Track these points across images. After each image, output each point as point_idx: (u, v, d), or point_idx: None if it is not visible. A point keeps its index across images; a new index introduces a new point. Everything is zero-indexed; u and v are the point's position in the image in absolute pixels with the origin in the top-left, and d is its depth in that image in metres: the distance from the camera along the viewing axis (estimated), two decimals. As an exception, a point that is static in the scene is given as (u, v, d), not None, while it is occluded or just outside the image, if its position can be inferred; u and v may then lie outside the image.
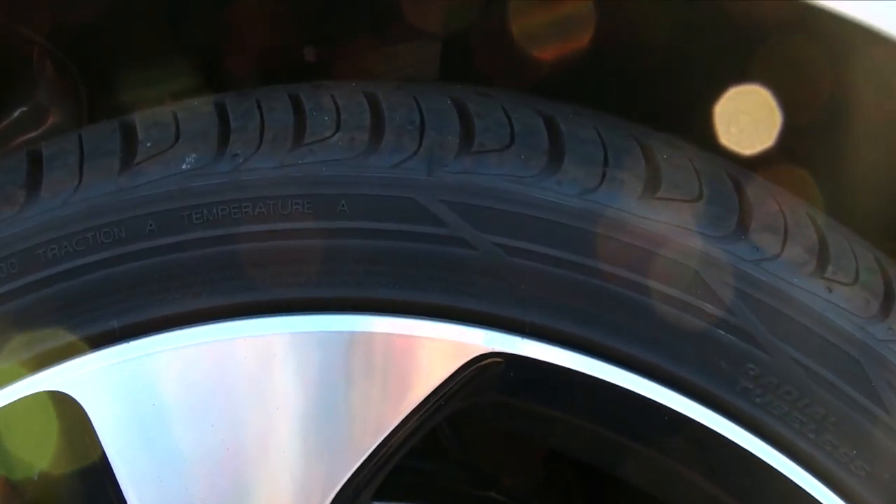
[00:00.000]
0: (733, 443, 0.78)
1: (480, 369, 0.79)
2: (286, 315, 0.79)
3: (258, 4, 1.06)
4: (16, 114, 1.22)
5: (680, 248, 0.77)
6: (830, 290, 0.78)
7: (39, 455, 0.83)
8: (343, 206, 0.77)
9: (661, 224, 0.77)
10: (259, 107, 0.81)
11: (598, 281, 0.77)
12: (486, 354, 0.79)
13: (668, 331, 0.77)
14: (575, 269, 0.77)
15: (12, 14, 1.11)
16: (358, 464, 0.78)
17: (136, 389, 0.80)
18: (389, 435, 0.79)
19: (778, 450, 0.79)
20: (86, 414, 0.79)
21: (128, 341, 0.79)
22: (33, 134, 1.24)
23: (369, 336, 0.78)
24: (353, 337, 0.78)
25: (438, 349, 0.79)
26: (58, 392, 0.80)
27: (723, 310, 0.77)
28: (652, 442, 0.82)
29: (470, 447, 1.23)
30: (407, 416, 0.78)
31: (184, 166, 0.78)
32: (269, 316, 0.79)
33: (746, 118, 0.85)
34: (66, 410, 0.80)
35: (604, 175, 0.78)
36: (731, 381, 0.78)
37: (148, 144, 0.80)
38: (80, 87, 1.25)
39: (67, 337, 0.79)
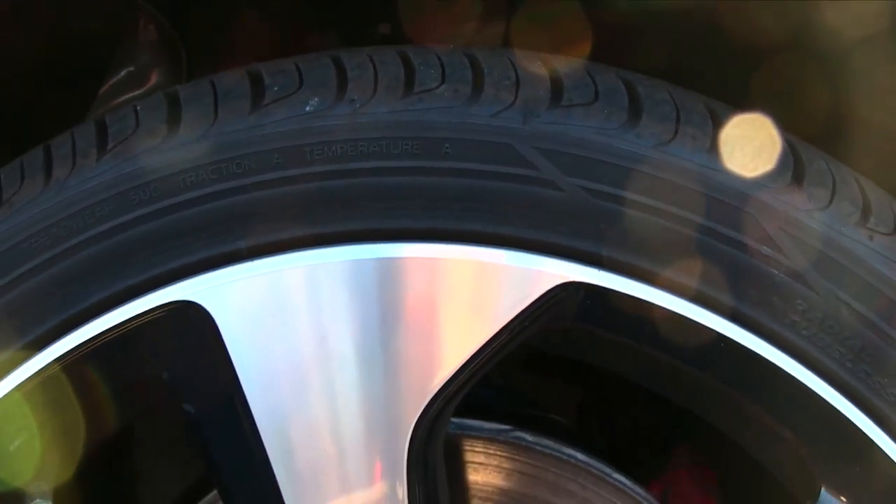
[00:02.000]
0: (781, 369, 0.86)
1: (561, 296, 0.86)
2: (393, 242, 0.86)
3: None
4: (122, 74, 1.30)
5: (743, 198, 0.84)
6: (871, 238, 0.85)
7: (171, 359, 0.91)
8: (447, 148, 0.85)
9: (726, 175, 0.85)
10: (372, 60, 0.88)
11: (669, 223, 0.84)
12: (567, 283, 0.86)
13: (730, 269, 0.85)
14: (649, 211, 0.84)
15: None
16: (453, 372, 0.86)
17: (257, 302, 0.87)
18: (480, 349, 0.86)
19: (819, 376, 0.86)
20: (215, 322, 0.88)
21: (252, 260, 0.87)
22: (137, 92, 1.32)
23: (467, 263, 0.86)
24: (454, 264, 0.85)
25: (526, 277, 0.86)
26: (191, 302, 0.88)
27: (778, 252, 0.84)
28: (707, 366, 0.90)
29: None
30: (496, 334, 0.86)
31: (307, 108, 0.86)
32: (378, 242, 0.86)
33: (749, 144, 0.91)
34: (198, 319, 0.89)
35: (676, 130, 0.85)
36: (781, 314, 0.85)
37: (275, 89, 0.87)
38: (180, 51, 1.33)
39: (199, 254, 0.87)
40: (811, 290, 0.84)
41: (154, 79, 1.31)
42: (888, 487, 0.88)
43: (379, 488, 0.91)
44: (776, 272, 0.84)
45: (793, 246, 0.84)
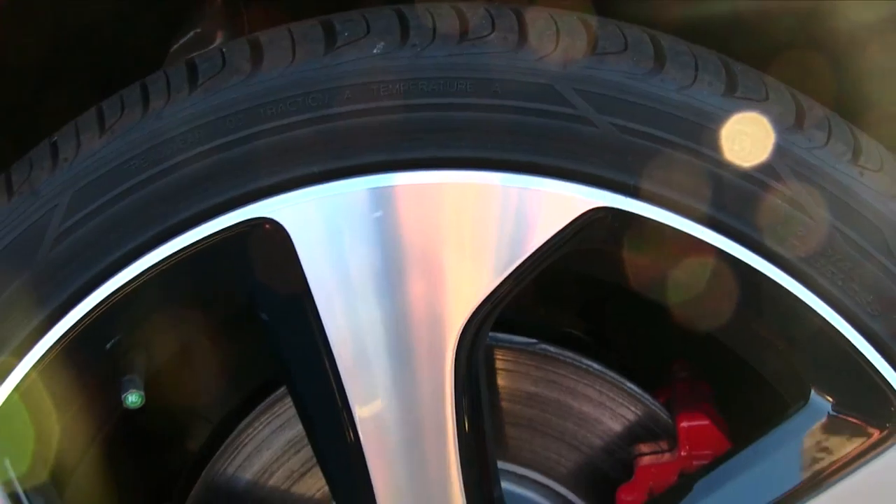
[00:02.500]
0: (782, 287, 0.99)
1: (592, 219, 0.99)
2: (447, 170, 0.99)
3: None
4: (190, 35, 1.41)
5: (752, 136, 0.97)
6: (862, 175, 0.98)
7: (250, 270, 1.04)
8: (497, 88, 0.97)
9: (738, 116, 0.97)
10: (430, 12, 1.00)
11: (689, 157, 0.96)
12: (598, 208, 0.98)
13: (740, 199, 0.97)
14: (672, 146, 0.96)
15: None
16: (500, 280, 1.00)
17: (327, 219, 1.00)
18: (524, 262, 0.99)
19: (814, 293, 0.99)
20: (290, 237, 1.00)
21: (324, 183, 0.99)
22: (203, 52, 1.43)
23: (513, 189, 0.98)
24: (502, 189, 0.98)
25: (564, 201, 0.99)
26: (270, 219, 1.00)
27: (782, 185, 0.97)
28: (715, 283, 1.03)
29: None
30: (538, 249, 0.99)
31: (374, 51, 0.97)
32: (434, 170, 0.99)
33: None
34: (275, 234, 1.01)
35: (695, 77, 0.97)
36: (783, 238, 0.98)
37: (345, 34, 0.98)
38: (243, 13, 1.43)
39: (277, 177, 0.99)
40: (810, 218, 0.97)
41: (218, 39, 1.41)
42: (868, 386, 1.02)
43: (429, 384, 1.04)
44: (780, 202, 0.97)
45: (795, 179, 0.97)
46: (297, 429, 1.32)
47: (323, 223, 1.00)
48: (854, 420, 1.06)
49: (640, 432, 1.32)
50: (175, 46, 1.38)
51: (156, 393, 1.11)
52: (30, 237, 1.01)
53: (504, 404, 1.31)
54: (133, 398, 1.07)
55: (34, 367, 1.03)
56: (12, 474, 1.05)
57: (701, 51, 1.01)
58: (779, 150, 0.96)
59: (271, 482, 1.38)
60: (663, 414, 1.30)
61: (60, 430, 1.10)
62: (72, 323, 1.03)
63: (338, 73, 0.97)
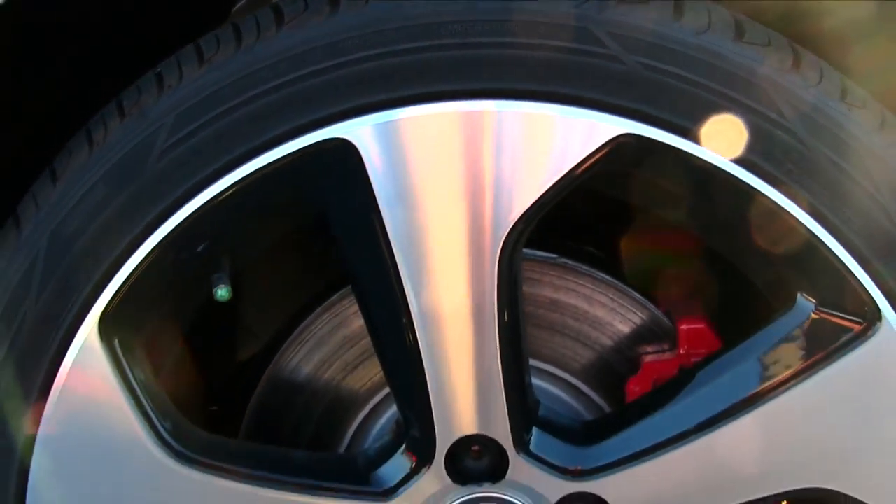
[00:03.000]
0: (778, 205, 1.14)
1: (619, 144, 1.13)
2: (499, 99, 1.12)
3: None
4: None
5: (759, 76, 1.12)
6: (850, 111, 1.14)
7: (325, 186, 1.18)
8: (541, 29, 1.11)
9: (746, 58, 1.12)
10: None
11: (704, 92, 1.11)
12: (624, 134, 1.12)
13: (746, 129, 1.12)
14: (691, 83, 1.10)
15: None
16: (542, 194, 1.13)
17: (394, 140, 1.13)
18: (561, 178, 1.13)
19: (805, 211, 1.14)
20: (360, 155, 1.13)
21: (393, 108, 1.12)
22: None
23: (553, 117, 1.12)
24: (543, 118, 1.12)
25: (596, 127, 1.12)
26: (344, 139, 1.13)
27: (782, 117, 1.12)
28: (721, 203, 1.19)
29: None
30: (573, 168, 1.13)
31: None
32: (488, 99, 1.12)
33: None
34: (345, 160, 1.14)
35: (709, 24, 1.12)
36: (781, 163, 1.13)
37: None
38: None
39: (351, 102, 1.12)
40: (804, 147, 1.13)
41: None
42: (848, 289, 1.18)
43: (478, 285, 1.18)
44: (780, 132, 1.12)
45: (793, 113, 1.12)
46: (352, 327, 1.46)
47: (390, 144, 1.13)
48: (835, 318, 1.21)
49: (646, 334, 1.46)
50: (236, 7, 1.52)
51: (236, 292, 1.26)
52: (139, 152, 1.14)
53: (529, 308, 1.42)
54: (222, 292, 1.22)
55: (142, 261, 1.17)
56: (120, 351, 1.21)
57: (715, 6, 1.15)
58: (780, 87, 1.12)
59: (328, 374, 1.51)
60: (665, 319, 1.45)
61: (158, 320, 1.26)
62: (173, 226, 1.16)
63: (406, 14, 1.11)
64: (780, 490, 1.27)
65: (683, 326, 1.43)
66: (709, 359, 1.33)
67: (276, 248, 1.42)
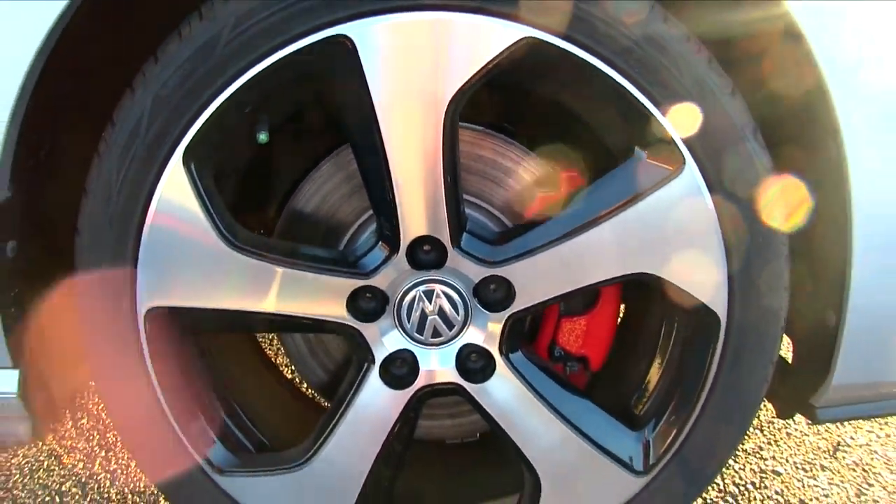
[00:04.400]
0: (622, 83, 1.62)
1: (524, 43, 1.49)
2: (437, 11, 1.50)
3: None
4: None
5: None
6: (666, 21, 1.69)
7: (328, 79, 1.62)
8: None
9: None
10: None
11: (575, 6, 1.54)
12: (526, 37, 1.49)
13: (597, 31, 1.55)
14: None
15: None
16: (477, 69, 1.51)
17: (388, 40, 1.51)
18: (483, 66, 1.51)
19: (639, 89, 1.59)
20: (357, 49, 1.49)
21: (375, 16, 1.49)
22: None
23: (479, 24, 1.49)
24: (473, 24, 1.49)
25: (505, 31, 1.49)
26: (343, 35, 1.49)
27: (623, 27, 1.61)
28: (592, 87, 1.66)
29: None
30: (497, 55, 1.49)
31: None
32: (431, 11, 1.60)
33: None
34: (345, 49, 1.51)
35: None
36: (622, 56, 1.59)
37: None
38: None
39: (352, 10, 1.48)
40: (638, 47, 1.56)
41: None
42: (664, 142, 1.59)
43: (432, 138, 1.56)
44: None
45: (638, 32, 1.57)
46: (346, 171, 1.82)
47: (374, 40, 1.48)
48: (656, 162, 1.60)
49: (540, 179, 1.80)
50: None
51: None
52: (211, 42, 1.53)
53: (463, 160, 1.74)
54: (262, 136, 1.68)
55: (211, 115, 1.57)
56: (195, 171, 1.65)
57: None
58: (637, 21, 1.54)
59: (329, 204, 1.87)
60: (552, 171, 1.82)
61: (220, 156, 1.69)
62: (232, 91, 1.53)
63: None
64: (621, 273, 1.64)
65: (564, 175, 1.82)
66: (578, 189, 1.68)
67: (298, 113, 1.84)
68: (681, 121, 1.57)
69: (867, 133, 1.56)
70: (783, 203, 1.64)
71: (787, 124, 1.70)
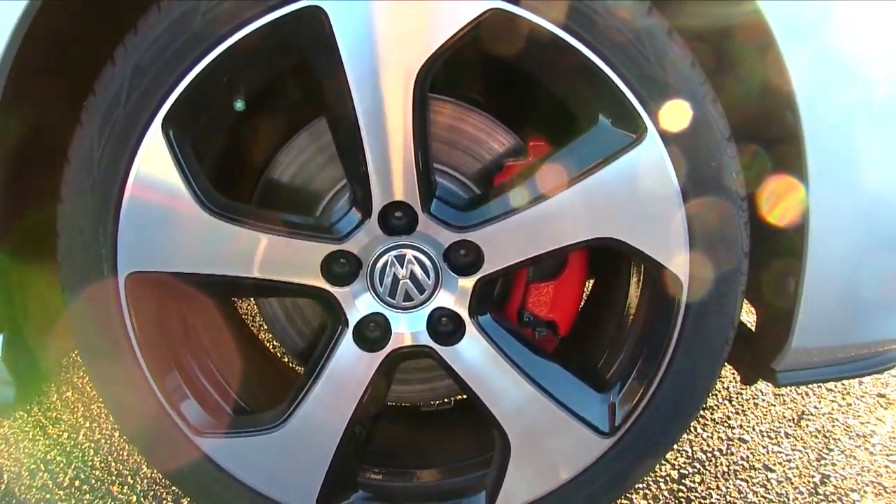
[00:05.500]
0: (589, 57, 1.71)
1: (487, 18, 1.54)
2: None
3: None
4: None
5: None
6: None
7: (305, 46, 1.72)
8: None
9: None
10: None
11: None
12: (492, 8, 1.53)
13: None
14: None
15: None
16: (446, 39, 1.56)
17: (348, 7, 1.60)
18: (451, 37, 1.58)
19: (604, 61, 1.65)
20: (330, 20, 1.54)
21: None
22: None
23: None
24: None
25: (472, 2, 1.54)
26: (316, 6, 1.55)
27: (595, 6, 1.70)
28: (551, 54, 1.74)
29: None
30: (465, 25, 1.55)
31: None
32: None
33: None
34: (319, 20, 1.56)
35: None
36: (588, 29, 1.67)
37: None
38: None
39: None
40: (602, 18, 1.66)
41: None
42: (628, 110, 1.65)
43: (403, 102, 1.60)
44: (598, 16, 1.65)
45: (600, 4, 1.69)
46: (321, 141, 1.86)
47: (346, 11, 1.52)
48: (622, 131, 1.64)
49: (509, 149, 1.87)
50: None
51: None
52: (188, 15, 1.58)
53: (433, 130, 1.78)
54: (239, 105, 1.71)
55: (188, 84, 1.61)
56: (173, 138, 1.69)
57: None
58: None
59: (305, 173, 1.91)
60: (520, 141, 1.86)
61: (198, 124, 1.74)
62: (208, 61, 1.58)
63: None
64: (586, 238, 1.68)
65: (531, 144, 1.86)
66: (544, 158, 1.70)
67: (274, 82, 1.88)
68: (642, 90, 1.62)
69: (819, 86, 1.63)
70: (743, 168, 1.68)
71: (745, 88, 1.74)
